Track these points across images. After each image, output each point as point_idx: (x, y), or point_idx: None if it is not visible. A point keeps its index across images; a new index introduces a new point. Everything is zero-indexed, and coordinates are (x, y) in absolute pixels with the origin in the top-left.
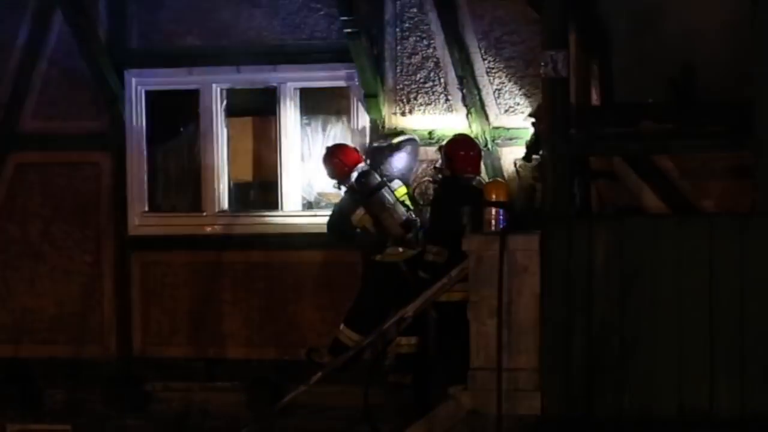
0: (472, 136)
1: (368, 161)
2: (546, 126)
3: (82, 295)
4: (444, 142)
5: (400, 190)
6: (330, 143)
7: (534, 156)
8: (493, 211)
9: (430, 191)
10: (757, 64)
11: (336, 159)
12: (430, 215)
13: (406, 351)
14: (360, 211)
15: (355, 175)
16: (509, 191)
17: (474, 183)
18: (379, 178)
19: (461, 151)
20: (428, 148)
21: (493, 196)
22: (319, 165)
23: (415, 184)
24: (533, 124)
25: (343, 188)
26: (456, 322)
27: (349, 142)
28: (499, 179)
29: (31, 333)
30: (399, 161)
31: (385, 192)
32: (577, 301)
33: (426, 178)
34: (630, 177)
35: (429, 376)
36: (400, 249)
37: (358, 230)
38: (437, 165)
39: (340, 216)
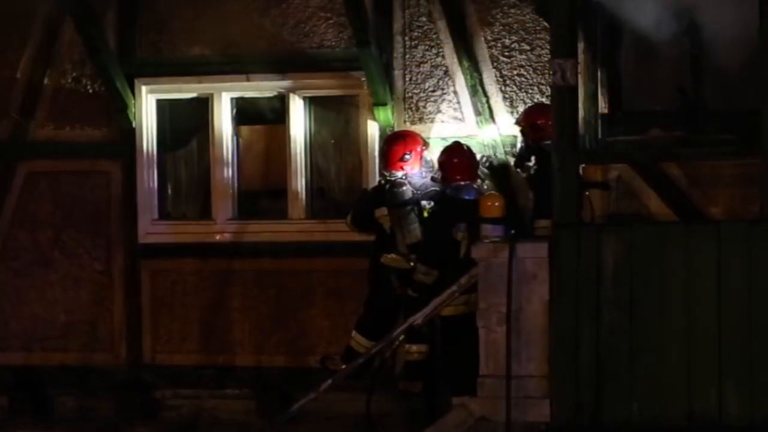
0: (483, 144)
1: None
2: (553, 134)
3: (93, 303)
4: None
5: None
6: (339, 152)
7: (528, 164)
8: (489, 228)
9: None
10: (764, 71)
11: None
12: (424, 231)
13: (416, 358)
14: (383, 210)
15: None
16: (505, 205)
17: (467, 189)
18: (409, 194)
19: (454, 159)
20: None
21: (488, 212)
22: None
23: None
24: (521, 132)
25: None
26: (459, 334)
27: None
28: (494, 193)
29: (41, 340)
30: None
31: (412, 211)
32: (586, 308)
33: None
34: (638, 184)
35: (438, 384)
36: (397, 256)
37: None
38: (434, 176)
39: (362, 205)
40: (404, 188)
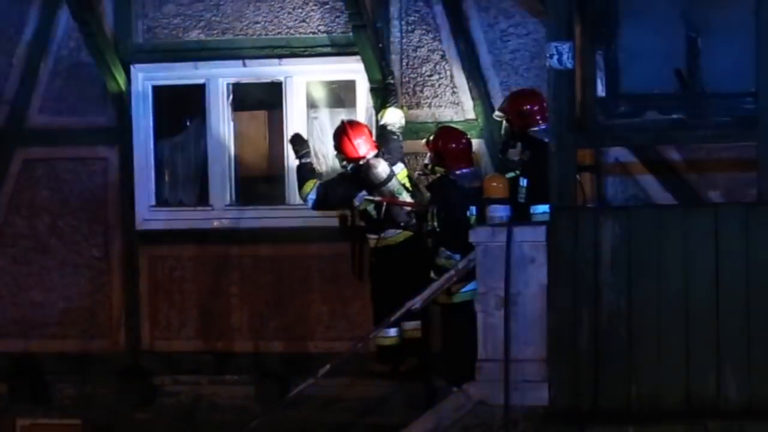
0: (479, 128)
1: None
2: (551, 117)
3: (91, 290)
4: (430, 137)
5: (402, 173)
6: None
7: (512, 150)
8: (498, 208)
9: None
10: (761, 53)
11: (347, 139)
12: (438, 218)
13: (411, 336)
14: (363, 194)
15: (365, 162)
16: (507, 184)
17: (470, 178)
18: (388, 169)
19: (451, 144)
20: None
21: (494, 193)
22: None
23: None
24: (506, 119)
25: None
26: (459, 321)
27: None
28: (496, 174)
29: (40, 327)
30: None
31: (394, 181)
32: (584, 291)
33: (417, 173)
34: (635, 167)
35: (433, 363)
36: (399, 231)
37: (360, 209)
38: (426, 161)
39: (336, 192)
40: (381, 166)
